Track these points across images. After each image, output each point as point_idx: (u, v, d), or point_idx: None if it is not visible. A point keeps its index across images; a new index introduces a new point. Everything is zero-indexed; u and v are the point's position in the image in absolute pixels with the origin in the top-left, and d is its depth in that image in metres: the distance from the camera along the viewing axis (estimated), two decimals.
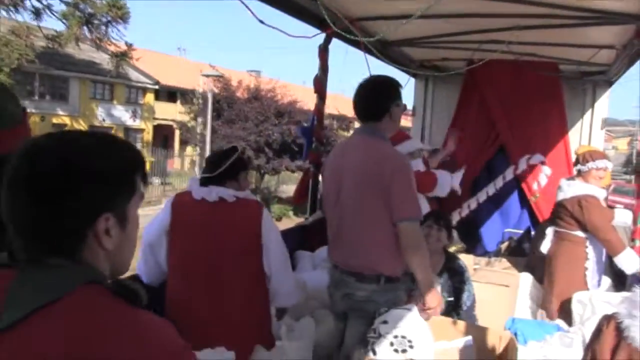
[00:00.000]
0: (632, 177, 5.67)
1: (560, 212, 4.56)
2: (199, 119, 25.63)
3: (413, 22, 3.73)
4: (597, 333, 1.63)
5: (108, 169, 1.07)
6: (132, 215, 1.14)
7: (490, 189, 5.91)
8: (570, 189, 4.51)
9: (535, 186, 6.07)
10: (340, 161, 3.06)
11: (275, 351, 2.95)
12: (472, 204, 5.91)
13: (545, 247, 4.68)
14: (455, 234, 5.30)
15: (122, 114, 31.36)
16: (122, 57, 21.41)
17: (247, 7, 3.52)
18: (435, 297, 2.89)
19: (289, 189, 21.70)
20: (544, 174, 5.96)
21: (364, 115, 3.00)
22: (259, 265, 2.92)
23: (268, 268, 2.94)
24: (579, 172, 4.52)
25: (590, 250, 4.47)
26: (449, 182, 4.78)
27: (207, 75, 23.42)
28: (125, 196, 1.12)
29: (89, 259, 1.07)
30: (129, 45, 21.23)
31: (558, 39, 5.32)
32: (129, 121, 31.60)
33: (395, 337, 2.68)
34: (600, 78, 6.52)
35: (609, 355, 1.54)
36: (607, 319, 1.62)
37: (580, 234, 4.47)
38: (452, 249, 5.00)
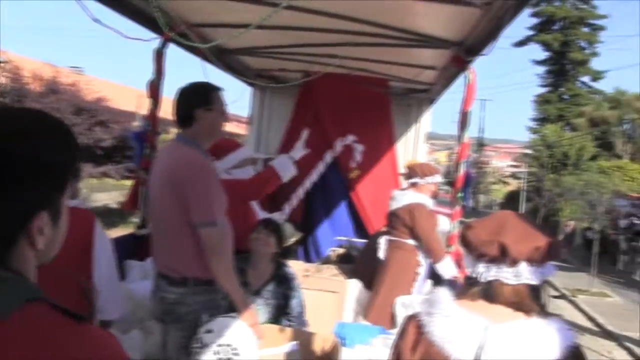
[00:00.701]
0: (450, 188, 6.21)
1: (394, 221, 4.79)
2: None
3: (252, 32, 3.77)
4: (401, 331, 1.76)
5: (52, 161, 0.95)
6: (64, 208, 1.03)
7: (314, 176, 6.10)
8: (403, 199, 4.77)
9: (352, 164, 6.39)
10: (155, 167, 3.09)
11: None
12: (300, 193, 6.08)
13: (382, 254, 4.91)
14: (289, 226, 5.40)
15: None
16: None
17: (82, 6, 3.36)
18: (250, 315, 2.89)
19: (101, 198, 19.73)
20: (358, 151, 6.32)
21: (176, 121, 3.02)
22: (87, 278, 2.79)
23: (97, 281, 2.81)
24: (414, 184, 4.84)
25: (422, 258, 4.74)
26: (288, 162, 4.80)
27: None
28: (61, 190, 1.00)
29: (20, 263, 0.94)
30: None
31: (387, 57, 5.62)
32: None
33: (220, 345, 2.67)
34: (424, 96, 6.98)
35: (411, 350, 1.67)
36: (410, 318, 1.76)
37: (412, 242, 4.72)
38: (292, 240, 5.09)
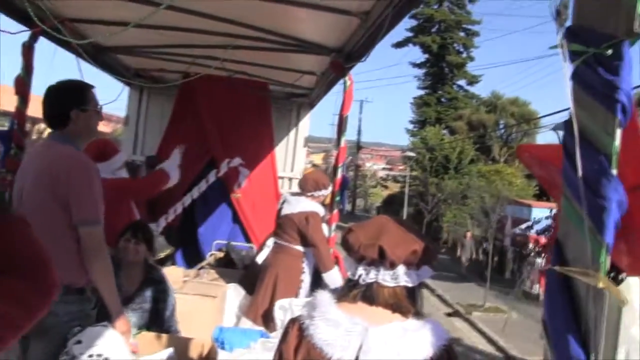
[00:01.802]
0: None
1: (285, 225, 4.83)
2: None
3: (130, 30, 3.67)
4: (284, 335, 1.80)
5: None
6: None
7: (195, 193, 6.01)
8: (299, 205, 4.81)
9: (236, 187, 6.32)
10: (24, 166, 2.98)
11: None
12: (178, 208, 5.94)
13: (261, 258, 4.93)
14: (162, 239, 5.29)
15: None
16: None
17: None
18: (123, 322, 2.84)
19: None
20: (243, 175, 6.26)
21: (48, 123, 2.92)
22: None
23: None
24: (312, 195, 4.88)
25: (306, 265, 4.83)
26: (175, 163, 4.71)
27: None
28: None
29: None
30: None
31: (268, 61, 5.64)
32: None
33: (91, 356, 2.58)
34: (304, 100, 7.09)
35: (293, 353, 1.71)
36: (292, 321, 1.80)
37: (300, 248, 4.80)
38: (161, 255, 4.99)
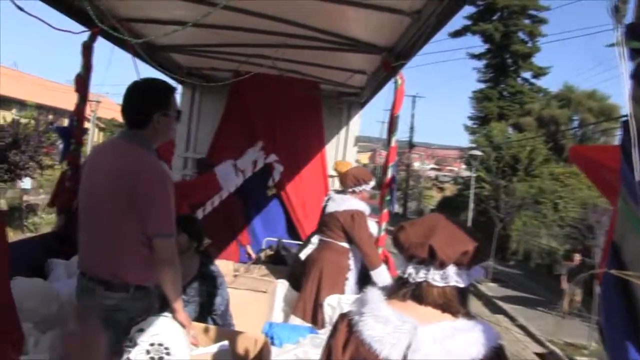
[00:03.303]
0: (378, 192, 6.18)
1: (331, 223, 4.86)
2: None
3: (183, 29, 3.74)
4: (333, 330, 1.81)
5: None
6: None
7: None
8: (344, 203, 4.85)
9: (270, 182, 6.40)
10: (94, 165, 2.92)
11: None
12: (216, 201, 6.01)
13: (305, 254, 4.96)
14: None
15: None
16: None
17: None
18: (185, 317, 2.90)
19: None
20: (277, 170, 6.33)
21: (128, 121, 2.87)
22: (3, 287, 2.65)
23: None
24: (354, 191, 4.90)
25: (352, 262, 4.85)
26: (231, 171, 4.71)
27: None
28: None
29: None
30: None
31: (319, 60, 5.68)
32: None
33: (152, 344, 2.65)
34: (355, 99, 7.10)
35: (342, 348, 1.72)
36: (342, 317, 1.81)
37: (345, 245, 4.82)
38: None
